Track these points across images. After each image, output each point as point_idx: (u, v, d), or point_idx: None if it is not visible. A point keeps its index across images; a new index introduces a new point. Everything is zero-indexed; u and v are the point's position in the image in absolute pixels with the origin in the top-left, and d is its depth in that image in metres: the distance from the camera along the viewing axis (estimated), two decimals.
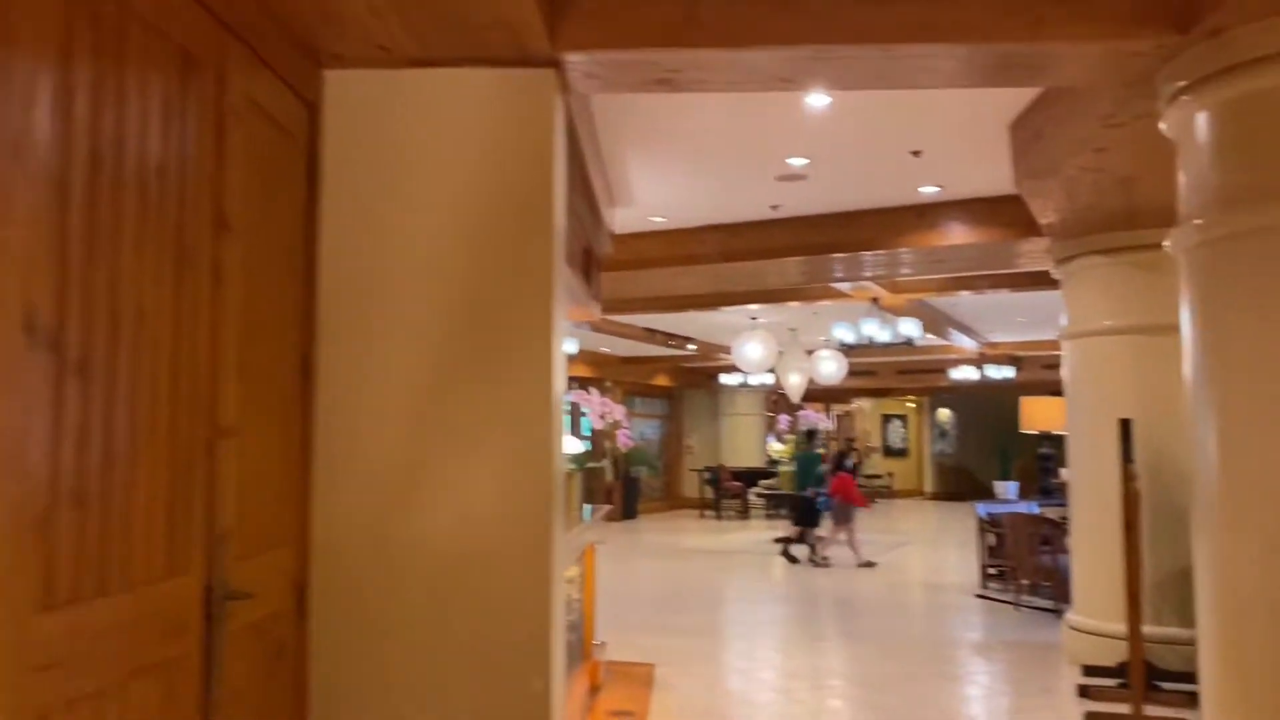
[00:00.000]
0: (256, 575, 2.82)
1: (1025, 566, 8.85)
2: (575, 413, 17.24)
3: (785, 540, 13.43)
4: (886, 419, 30.06)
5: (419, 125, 3.48)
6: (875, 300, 11.60)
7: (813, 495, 13.27)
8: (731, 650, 7.55)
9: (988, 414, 29.54)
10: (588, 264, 6.54)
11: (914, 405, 30.32)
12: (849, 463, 13.30)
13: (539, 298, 3.47)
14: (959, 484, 29.33)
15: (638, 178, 7.05)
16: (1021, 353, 19.31)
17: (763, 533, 17.22)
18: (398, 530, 3.40)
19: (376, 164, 3.46)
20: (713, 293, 12.03)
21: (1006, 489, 11.04)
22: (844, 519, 12.46)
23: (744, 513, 20.96)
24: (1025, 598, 9.18)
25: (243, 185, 2.73)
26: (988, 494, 28.18)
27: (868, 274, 9.20)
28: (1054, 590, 8.59)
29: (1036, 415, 10.93)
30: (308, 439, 3.31)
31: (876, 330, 11.43)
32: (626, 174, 6.90)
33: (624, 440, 8.20)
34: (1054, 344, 19.03)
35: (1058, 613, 8.49)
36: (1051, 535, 8.87)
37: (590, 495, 20.01)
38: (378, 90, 3.47)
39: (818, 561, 12.63)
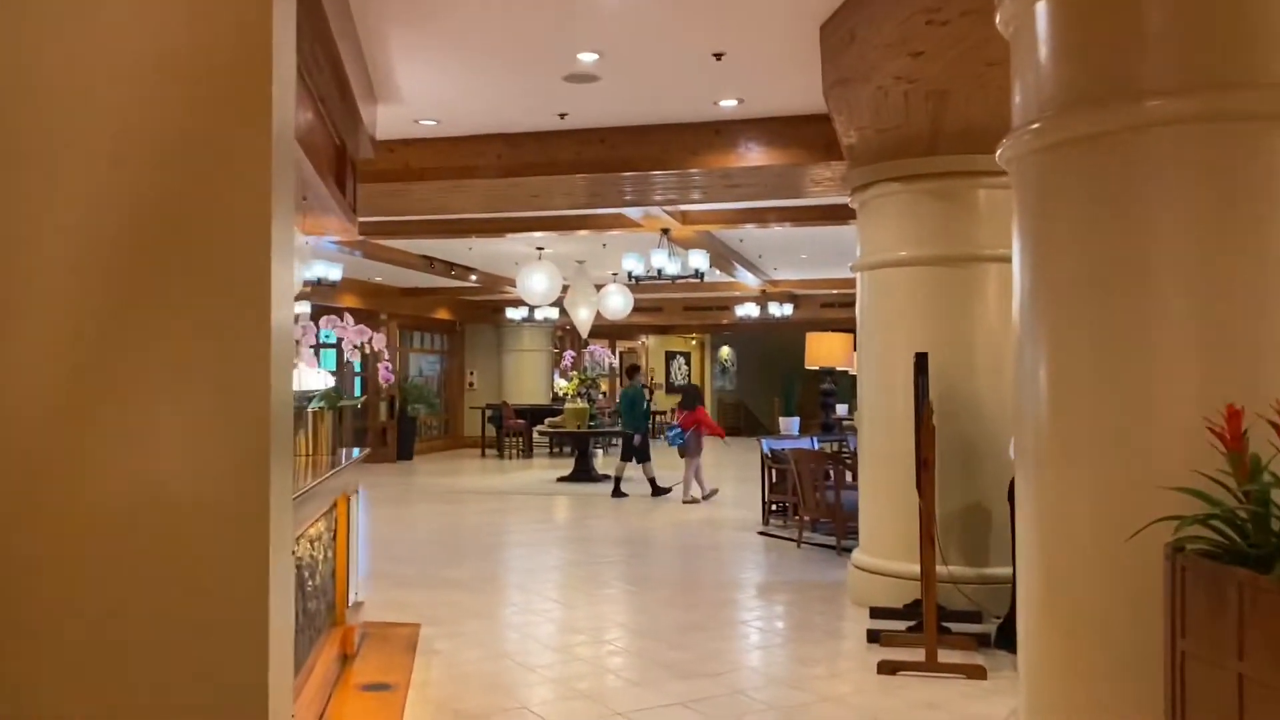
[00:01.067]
0: None
1: (808, 503, 8.70)
2: (328, 347, 16.04)
3: (616, 479, 13.24)
4: (670, 356, 30.22)
5: None
6: (665, 232, 11.14)
7: (637, 434, 13.07)
8: (508, 604, 6.94)
9: (768, 351, 30.28)
10: (341, 169, 5.61)
11: (697, 342, 30.62)
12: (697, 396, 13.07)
13: (249, 205, 2.60)
14: (738, 420, 30.00)
15: (404, 69, 6.13)
16: (801, 291, 19.59)
17: (546, 472, 16.71)
18: (54, 497, 2.51)
19: None
20: (493, 217, 11.20)
21: (789, 425, 10.93)
22: (695, 451, 12.21)
23: (527, 452, 20.39)
24: (807, 534, 9.06)
25: None
26: (766, 430, 29.13)
27: (658, 197, 8.66)
28: (835, 527, 8.48)
29: (820, 351, 10.84)
30: None
31: (666, 262, 10.98)
32: (390, 62, 5.97)
33: (385, 375, 7.27)
34: (833, 282, 19.52)
35: (839, 550, 8.40)
36: (833, 471, 8.74)
37: (357, 437, 18.85)
38: None
39: (659, 491, 12.76)
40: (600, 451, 20.38)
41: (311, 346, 5.98)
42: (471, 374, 23.24)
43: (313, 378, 5.49)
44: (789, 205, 10.59)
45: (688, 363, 30.48)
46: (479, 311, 22.35)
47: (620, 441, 13.58)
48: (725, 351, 30.45)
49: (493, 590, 7.30)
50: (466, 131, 7.65)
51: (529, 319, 19.76)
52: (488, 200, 8.52)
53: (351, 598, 5.55)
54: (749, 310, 18.93)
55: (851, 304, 20.96)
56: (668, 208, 10.27)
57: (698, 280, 11.24)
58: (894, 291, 6.62)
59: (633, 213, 10.13)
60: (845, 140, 6.39)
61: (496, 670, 5.26)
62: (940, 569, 5.48)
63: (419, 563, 8.37)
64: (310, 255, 11.61)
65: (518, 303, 19.36)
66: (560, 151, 7.46)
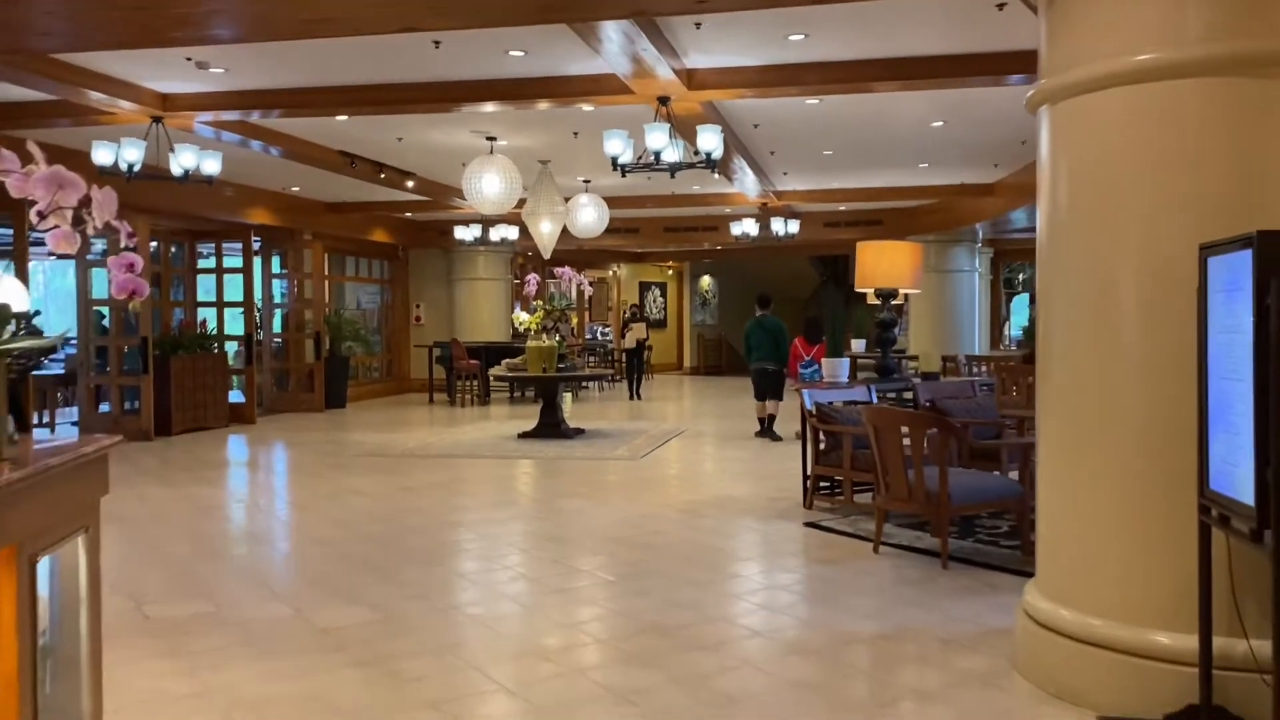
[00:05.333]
0: None
1: (896, 488, 5.75)
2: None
3: (765, 423, 11.86)
4: (645, 287, 27.12)
5: None
6: (664, 101, 7.98)
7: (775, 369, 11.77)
8: (423, 703, 3.94)
9: (754, 280, 27.19)
10: None
11: (673, 272, 27.52)
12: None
13: None
14: (719, 358, 27.10)
15: None
16: (805, 205, 16.51)
17: (505, 424, 13.66)
18: None
19: None
20: (421, 82, 7.98)
21: (837, 367, 7.93)
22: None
23: (484, 397, 17.31)
24: (886, 532, 6.14)
25: None
26: (746, 369, 26.14)
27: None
28: (935, 524, 5.58)
29: (878, 266, 7.84)
30: None
31: (665, 143, 7.84)
32: None
33: (124, 282, 2.60)
34: (847, 193, 16.35)
35: (945, 562, 5.50)
36: (936, 440, 5.77)
37: (278, 381, 14.90)
38: None
39: (780, 435, 11.38)
40: (569, 396, 17.36)
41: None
42: (418, 307, 20.02)
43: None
44: (843, 59, 7.49)
45: (663, 294, 27.41)
46: (424, 234, 19.06)
47: (756, 378, 11.93)
48: (706, 282, 27.36)
49: (403, 660, 4.28)
50: None
51: (483, 241, 16.53)
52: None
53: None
54: (746, 228, 15.82)
55: (862, 222, 18.08)
56: (671, 62, 7.13)
57: (708, 167, 8.12)
58: (1135, 131, 3.60)
59: (617, 62, 6.97)
60: None
61: None
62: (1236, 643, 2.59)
63: (297, 592, 5.34)
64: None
65: (468, 220, 16.11)
66: None
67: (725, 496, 8.01)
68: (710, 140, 7.92)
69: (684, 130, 8.58)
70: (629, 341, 18.32)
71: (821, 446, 7.34)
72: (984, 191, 14.76)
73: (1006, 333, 22.89)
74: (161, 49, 7.01)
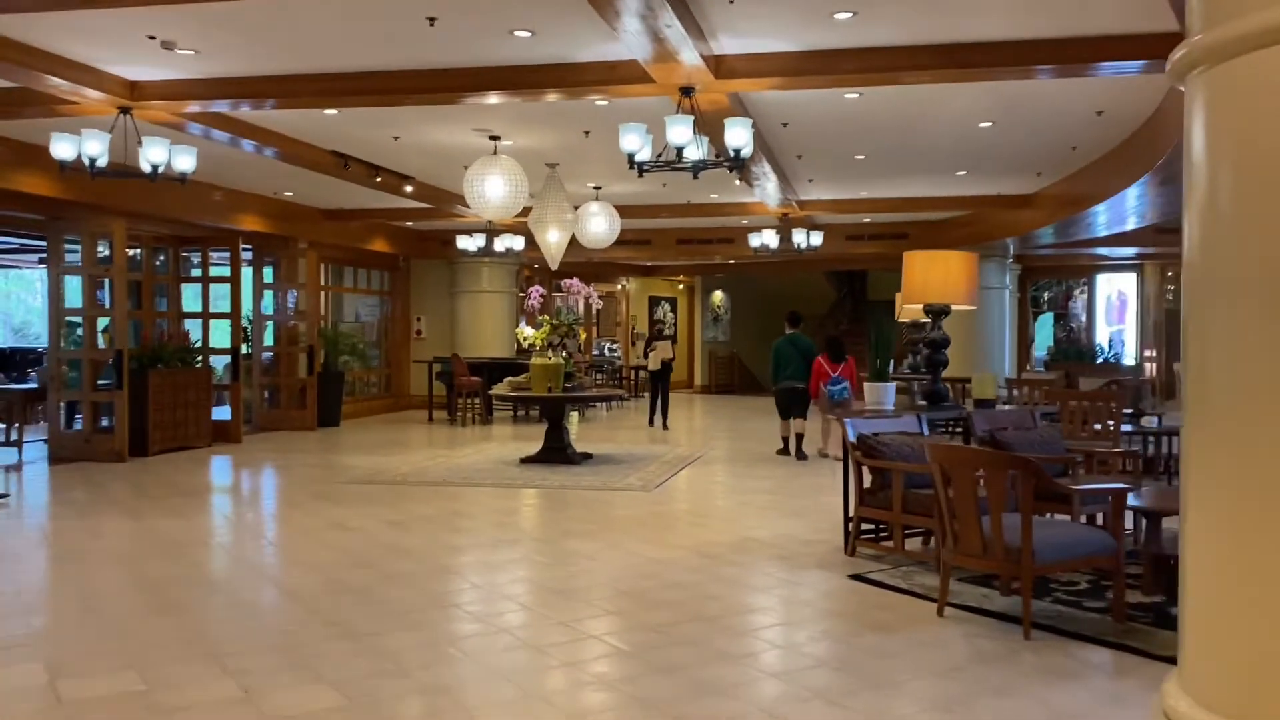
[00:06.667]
0: None
1: (968, 541, 4.83)
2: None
3: (787, 442, 11.76)
4: (654, 302, 26.24)
5: None
6: (687, 92, 7.12)
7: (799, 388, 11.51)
8: None
9: (767, 296, 26.36)
10: None
11: (684, 287, 26.63)
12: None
13: None
14: (732, 376, 26.20)
15: None
16: (827, 217, 15.63)
17: (507, 446, 12.76)
18: None
19: None
20: (415, 69, 7.13)
21: (881, 393, 6.97)
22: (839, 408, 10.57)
23: (486, 416, 16.42)
24: (949, 589, 5.21)
25: None
26: (759, 388, 25.25)
27: None
28: (1018, 583, 4.66)
29: (928, 278, 6.92)
30: None
31: (689, 138, 6.95)
32: None
33: None
34: (874, 204, 15.40)
35: (1028, 631, 4.58)
36: (1019, 483, 4.84)
37: (271, 397, 13.53)
38: None
39: (806, 454, 11.42)
40: (576, 416, 16.46)
41: None
42: (419, 320, 19.16)
43: None
44: (892, 43, 6.63)
45: (674, 310, 26.51)
46: (426, 244, 18.23)
47: (784, 397, 11.66)
48: (718, 297, 26.48)
49: None
50: None
51: (487, 251, 15.61)
52: None
53: None
54: (766, 240, 14.92)
55: (887, 235, 17.10)
56: (698, 46, 6.25)
57: (735, 167, 7.23)
58: None
59: (636, 42, 6.10)
60: None
61: None
62: None
63: (251, 664, 4.42)
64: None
65: (472, 230, 15.26)
66: None
67: (752, 538, 7.08)
68: (739, 135, 7.03)
69: (707, 128, 7.71)
70: (653, 363, 15.74)
71: (866, 485, 6.43)
72: (1021, 203, 13.87)
73: (1032, 354, 21.99)
74: (120, 20, 6.17)
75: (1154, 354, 20.52)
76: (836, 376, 10.98)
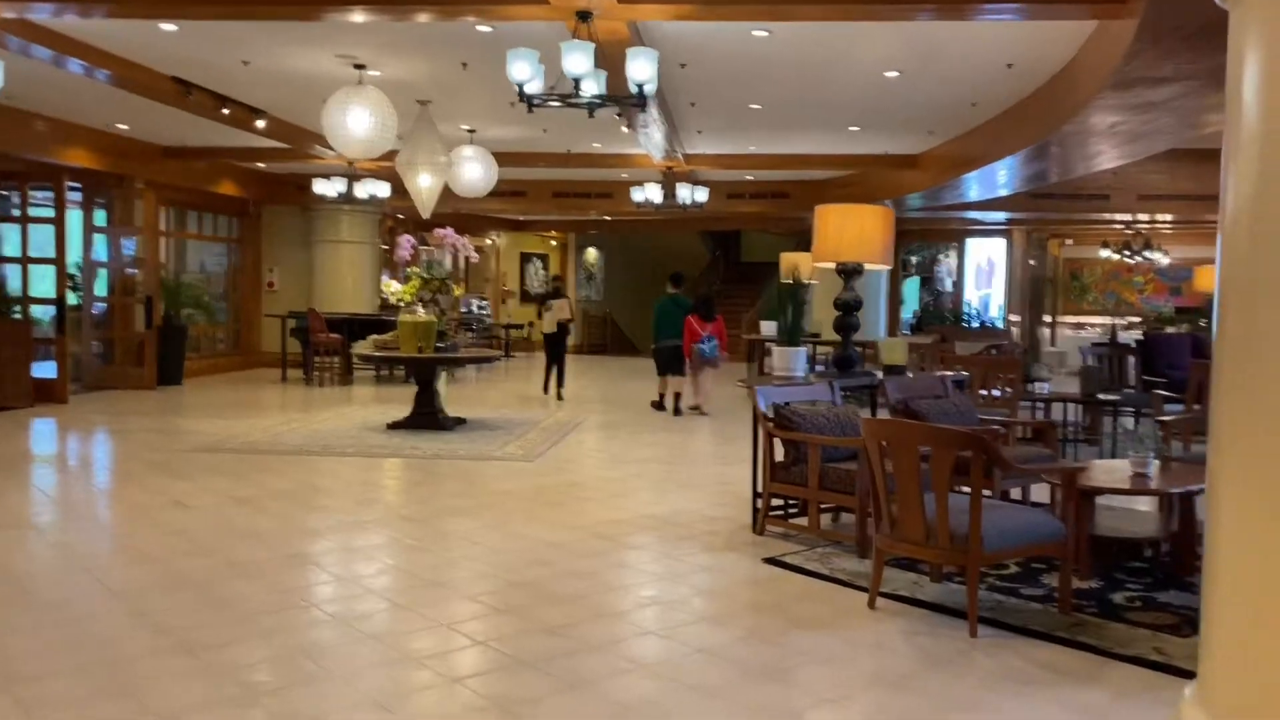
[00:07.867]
0: None
1: (910, 527, 4.30)
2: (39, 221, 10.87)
3: (663, 398, 12.17)
4: (525, 258, 25.27)
5: None
6: (584, 17, 6.31)
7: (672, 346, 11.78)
8: None
9: (642, 255, 25.75)
10: None
11: (558, 244, 25.75)
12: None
13: None
14: (604, 337, 25.55)
15: None
16: (711, 172, 15.04)
17: (371, 409, 11.79)
18: None
19: None
20: None
21: (791, 358, 6.38)
22: (718, 363, 11.67)
23: (346, 376, 15.28)
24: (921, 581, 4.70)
25: None
26: (632, 348, 24.69)
27: None
28: (965, 575, 4.17)
29: (844, 237, 6.38)
30: None
31: (586, 69, 6.17)
32: None
33: None
34: (760, 160, 14.75)
35: (973, 628, 4.11)
36: (982, 462, 4.32)
37: (105, 350, 12.47)
38: None
39: (681, 410, 11.84)
40: (445, 378, 15.48)
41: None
42: (271, 271, 17.74)
43: None
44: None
45: (545, 267, 25.62)
46: (280, 188, 16.83)
47: (664, 355, 11.96)
48: (591, 255, 25.74)
49: None
50: None
51: (348, 198, 14.31)
52: None
53: None
54: (650, 194, 14.25)
55: (768, 194, 16.68)
56: None
57: (638, 105, 6.49)
58: None
59: None
60: None
61: None
62: None
63: (46, 692, 3.53)
64: None
65: (330, 174, 14.00)
66: None
67: (650, 514, 6.46)
68: (643, 68, 6.28)
69: (604, 62, 6.94)
70: (548, 324, 13.72)
71: (778, 458, 5.88)
72: (906, 163, 13.58)
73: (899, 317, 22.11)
74: None
75: (1019, 318, 20.91)
76: (707, 335, 11.45)
